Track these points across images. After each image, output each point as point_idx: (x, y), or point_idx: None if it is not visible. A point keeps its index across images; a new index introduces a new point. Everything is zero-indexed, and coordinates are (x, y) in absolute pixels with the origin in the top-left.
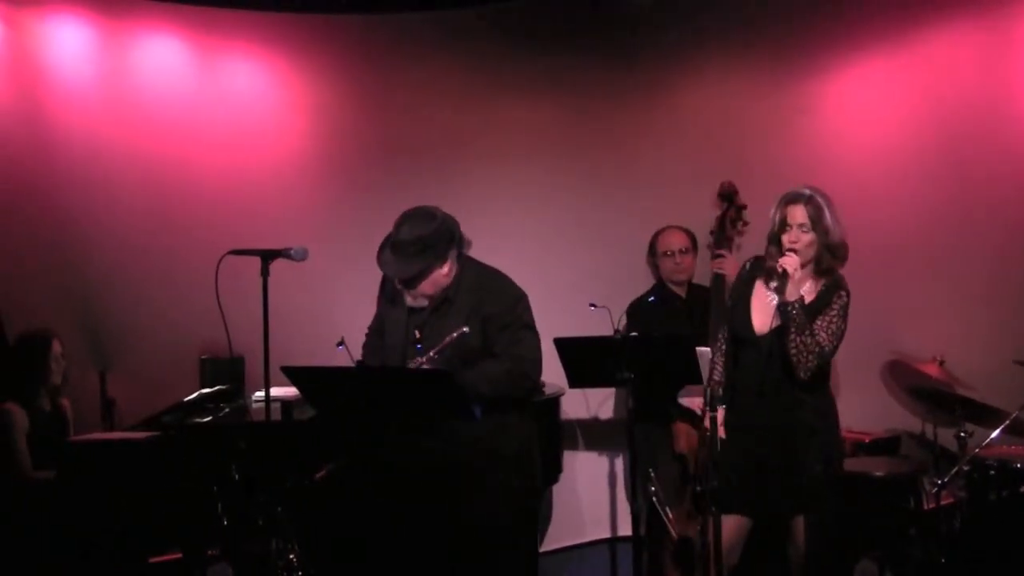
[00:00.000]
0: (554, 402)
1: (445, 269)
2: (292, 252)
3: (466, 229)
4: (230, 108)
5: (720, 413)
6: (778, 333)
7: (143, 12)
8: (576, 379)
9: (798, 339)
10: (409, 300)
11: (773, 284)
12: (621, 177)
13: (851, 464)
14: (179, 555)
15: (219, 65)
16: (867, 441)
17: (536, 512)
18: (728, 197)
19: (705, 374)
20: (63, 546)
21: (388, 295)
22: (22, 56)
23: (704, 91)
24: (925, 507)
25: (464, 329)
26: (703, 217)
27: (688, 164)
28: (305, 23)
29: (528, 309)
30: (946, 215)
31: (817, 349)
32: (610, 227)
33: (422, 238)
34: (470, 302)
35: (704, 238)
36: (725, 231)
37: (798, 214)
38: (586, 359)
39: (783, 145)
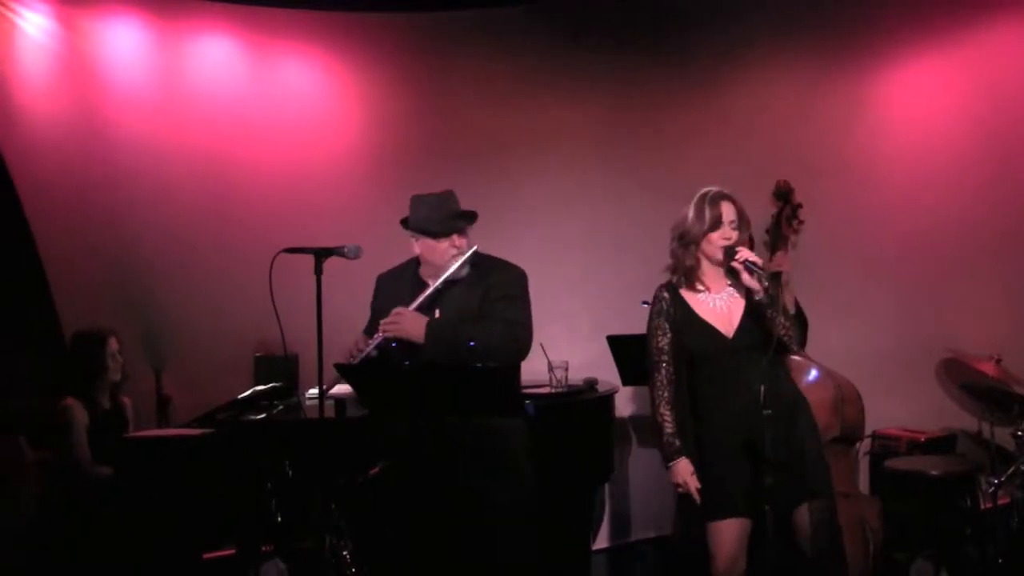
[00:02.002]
0: (607, 400)
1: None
2: (346, 250)
3: (515, 228)
4: (283, 107)
5: (684, 464)
6: (742, 330)
7: (197, 12)
8: (629, 377)
9: (780, 318)
10: (452, 271)
11: (754, 277)
12: (673, 176)
13: (907, 463)
14: (233, 551)
15: (272, 64)
16: (923, 440)
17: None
18: (784, 196)
19: None
20: (120, 541)
21: (386, 299)
22: (78, 56)
23: (756, 89)
24: (981, 507)
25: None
26: (757, 216)
27: (740, 162)
28: (356, 22)
29: (527, 288)
30: (1003, 212)
31: (790, 322)
32: (662, 225)
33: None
34: (475, 273)
35: (759, 236)
36: (781, 230)
37: (730, 211)
38: (639, 357)
39: (837, 143)
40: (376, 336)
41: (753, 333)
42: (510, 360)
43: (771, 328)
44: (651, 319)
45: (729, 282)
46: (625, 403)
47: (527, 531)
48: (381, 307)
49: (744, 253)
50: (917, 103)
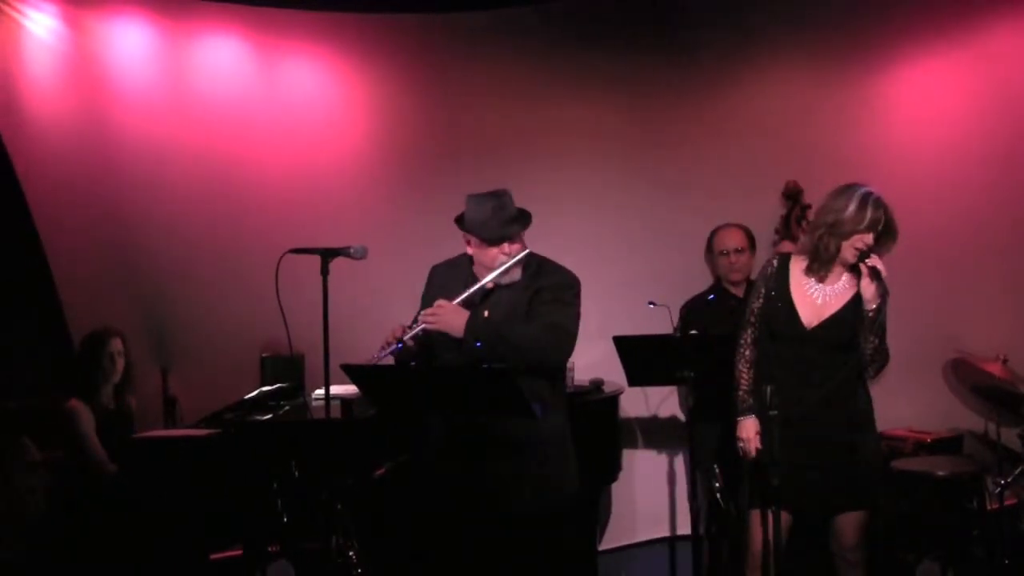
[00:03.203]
0: (613, 400)
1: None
2: (352, 251)
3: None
4: (290, 108)
5: (751, 422)
6: (827, 326)
7: (204, 13)
8: (635, 378)
9: (880, 344)
10: (506, 278)
11: (874, 285)
12: (682, 175)
13: (913, 463)
14: (239, 552)
15: (279, 65)
16: (929, 440)
17: (577, 501)
18: (793, 197)
19: None
20: (126, 541)
21: (438, 291)
22: (85, 57)
23: (765, 88)
24: (988, 507)
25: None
26: (765, 216)
27: (750, 162)
28: (364, 23)
29: (577, 295)
30: (1010, 212)
31: (886, 350)
32: (670, 226)
33: (519, 208)
34: (528, 276)
35: (768, 236)
36: (790, 231)
37: (883, 219)
38: (645, 357)
39: (846, 143)
40: (414, 326)
41: (836, 333)
42: (548, 363)
43: (862, 343)
44: (755, 280)
45: (843, 279)
46: (631, 404)
47: (558, 534)
48: (431, 298)
49: (876, 260)
50: (925, 102)
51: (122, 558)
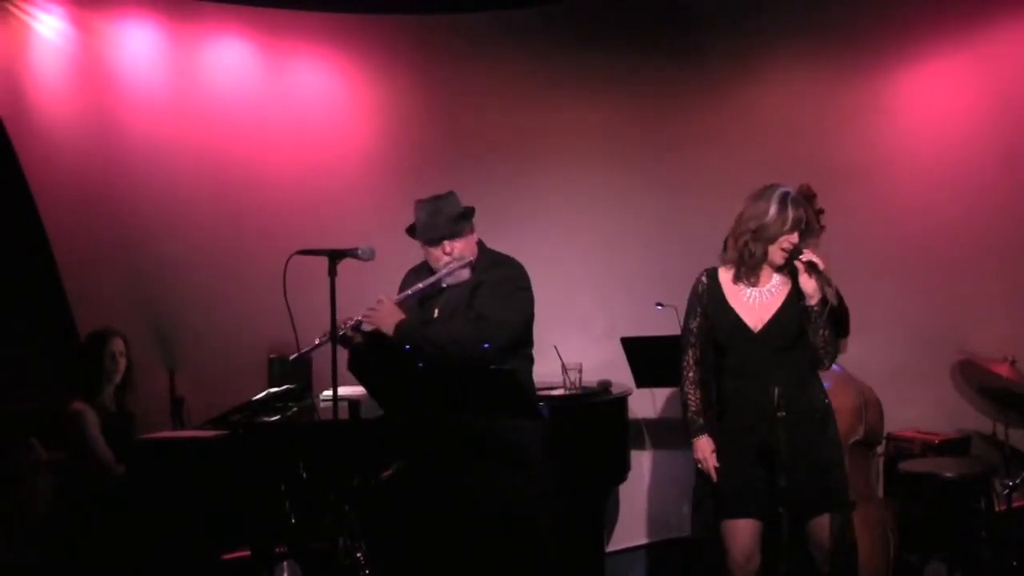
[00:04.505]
0: (621, 402)
1: (475, 238)
2: (359, 252)
3: (529, 229)
4: (296, 109)
5: (705, 441)
6: (771, 325)
7: (209, 14)
8: (643, 379)
9: (829, 334)
10: (451, 279)
11: (813, 279)
12: (688, 177)
13: (921, 464)
14: (247, 553)
15: (285, 66)
16: (937, 441)
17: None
18: (807, 200)
19: None
20: (133, 542)
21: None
22: (92, 59)
23: (770, 89)
24: (996, 509)
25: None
26: None
27: (754, 163)
28: (368, 24)
29: (522, 286)
30: (1015, 212)
31: (838, 340)
32: (677, 227)
33: (462, 207)
34: (476, 274)
35: None
36: (802, 234)
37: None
38: (653, 359)
39: (851, 144)
40: (354, 318)
41: (783, 333)
42: (473, 356)
43: (811, 337)
44: (688, 299)
45: (775, 279)
46: (639, 405)
47: (539, 533)
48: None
49: (809, 254)
50: (931, 104)
51: (128, 559)
